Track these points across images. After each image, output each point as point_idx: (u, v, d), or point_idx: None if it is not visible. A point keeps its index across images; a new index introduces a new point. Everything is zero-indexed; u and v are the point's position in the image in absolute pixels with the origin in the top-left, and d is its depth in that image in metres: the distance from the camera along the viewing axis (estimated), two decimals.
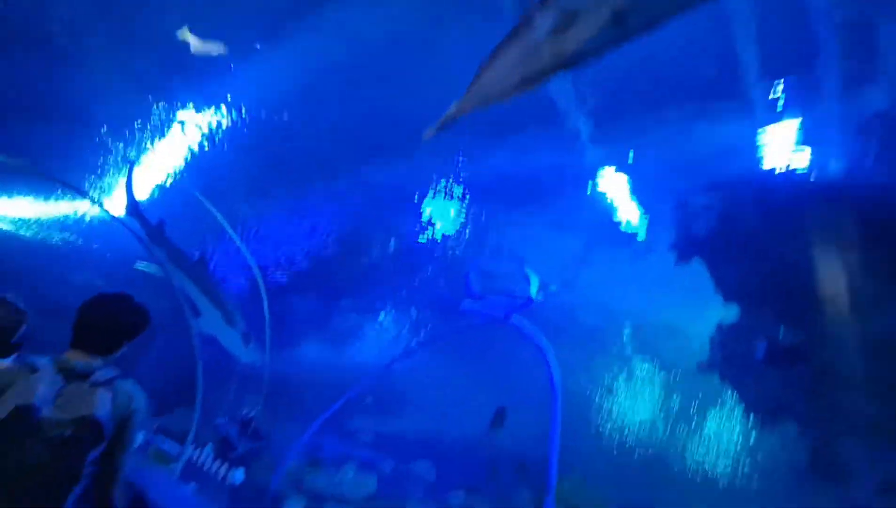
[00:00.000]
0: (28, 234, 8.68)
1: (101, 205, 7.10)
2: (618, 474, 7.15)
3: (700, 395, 10.50)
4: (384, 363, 11.75)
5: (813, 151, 5.82)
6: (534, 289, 6.06)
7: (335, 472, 9.38)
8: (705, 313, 8.69)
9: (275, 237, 10.23)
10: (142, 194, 8.12)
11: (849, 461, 6.79)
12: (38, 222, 8.70)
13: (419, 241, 10.45)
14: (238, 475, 6.78)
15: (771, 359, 6.42)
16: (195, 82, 7.75)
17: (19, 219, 8.65)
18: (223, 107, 8.04)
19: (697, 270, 8.90)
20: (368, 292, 11.25)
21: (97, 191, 8.44)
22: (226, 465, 7.03)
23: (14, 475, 1.86)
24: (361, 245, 10.47)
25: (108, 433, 2.01)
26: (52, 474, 1.90)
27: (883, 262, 5.13)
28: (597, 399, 13.26)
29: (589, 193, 9.32)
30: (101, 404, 2.01)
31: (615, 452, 13.82)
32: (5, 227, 8.56)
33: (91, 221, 8.68)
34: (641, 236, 9.95)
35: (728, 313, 7.59)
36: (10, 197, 8.35)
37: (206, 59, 7.46)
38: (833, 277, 5.59)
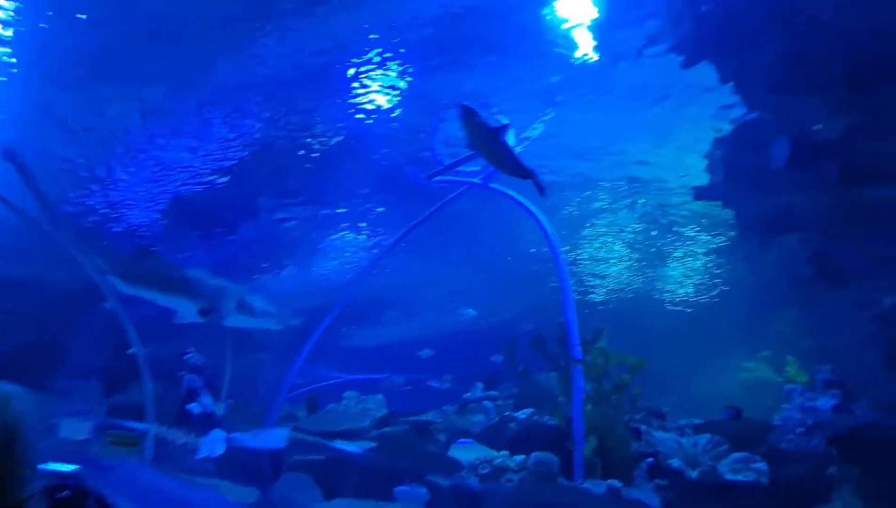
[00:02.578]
0: None
1: None
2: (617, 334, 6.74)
3: (702, 222, 10.12)
4: (355, 272, 10.59)
5: None
6: (511, 140, 4.81)
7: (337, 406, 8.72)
8: (697, 131, 7.75)
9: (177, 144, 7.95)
10: None
11: (854, 262, 6.46)
12: None
13: (364, 122, 8.37)
14: (218, 444, 5.73)
15: (797, 160, 5.51)
16: None
17: None
18: None
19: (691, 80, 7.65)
20: (317, 196, 9.50)
21: None
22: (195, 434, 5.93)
23: None
24: (290, 140, 8.31)
25: None
26: None
27: None
28: (580, 261, 13.03)
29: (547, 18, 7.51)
30: None
31: (608, 302, 14.11)
32: None
33: None
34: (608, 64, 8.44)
35: (731, 119, 6.54)
36: None
37: None
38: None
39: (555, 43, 7.98)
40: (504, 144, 4.76)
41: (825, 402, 5.89)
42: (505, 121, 6.31)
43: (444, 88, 8.05)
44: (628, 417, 6.57)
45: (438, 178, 7.55)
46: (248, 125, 7.38)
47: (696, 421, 7.31)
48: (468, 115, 4.55)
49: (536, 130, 8.30)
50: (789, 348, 8.96)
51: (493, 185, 7.41)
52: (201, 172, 8.16)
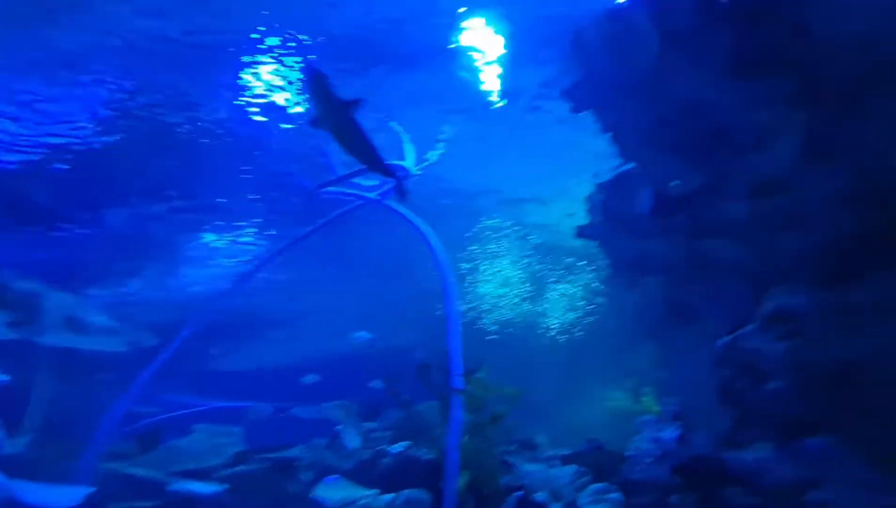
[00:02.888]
0: None
1: None
2: (497, 362, 6.88)
3: (570, 259, 10.90)
4: (224, 287, 9.48)
5: None
6: (411, 161, 4.65)
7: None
8: (581, 174, 8.42)
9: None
10: None
11: (698, 304, 7.35)
12: None
13: (251, 118, 7.73)
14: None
15: (658, 210, 6.19)
16: None
17: None
18: None
19: (570, 130, 8.32)
20: (187, 193, 8.49)
21: None
22: None
23: None
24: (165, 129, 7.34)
25: None
26: None
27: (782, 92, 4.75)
28: (465, 283, 13.31)
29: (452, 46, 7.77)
30: None
31: (489, 333, 14.49)
32: None
33: None
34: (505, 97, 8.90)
35: (610, 166, 7.23)
36: None
37: None
38: (725, 112, 5.20)
39: (461, 70, 8.30)
40: (356, 124, 4.03)
41: (670, 433, 6.43)
42: (399, 129, 6.25)
43: (346, 94, 7.86)
44: (501, 449, 6.67)
45: (330, 189, 7.24)
46: (97, 99, 6.40)
47: (564, 452, 7.62)
48: (315, 79, 3.75)
49: (437, 151, 8.45)
50: (648, 379, 9.90)
51: (389, 202, 7.33)
52: (25, 146, 6.87)
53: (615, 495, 5.82)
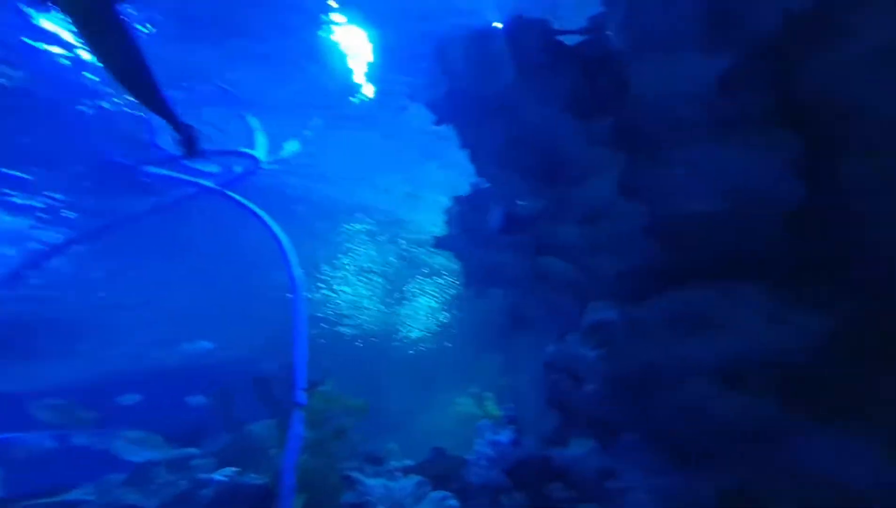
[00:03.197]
0: None
1: None
2: (354, 369, 6.62)
3: (428, 269, 11.13)
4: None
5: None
6: (262, 149, 4.05)
7: None
8: (443, 185, 8.65)
9: None
10: None
11: (535, 315, 8.10)
12: None
13: (58, 63, 6.15)
14: None
15: (507, 227, 6.62)
16: None
17: None
18: None
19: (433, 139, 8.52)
20: None
21: None
22: None
23: None
24: None
25: None
26: None
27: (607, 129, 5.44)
28: (320, 294, 12.69)
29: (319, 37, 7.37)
30: None
31: (345, 346, 14.03)
32: None
33: None
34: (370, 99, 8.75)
35: (467, 182, 7.55)
36: None
37: None
38: (554, 144, 5.79)
39: (327, 66, 7.95)
40: (130, 37, 2.77)
41: (505, 436, 6.89)
42: (250, 118, 5.59)
43: (195, 63, 6.62)
44: (345, 464, 6.41)
45: (155, 170, 6.22)
46: None
47: (408, 462, 7.65)
48: None
49: (292, 146, 7.90)
50: (490, 385, 10.57)
51: (230, 193, 6.59)
52: None
53: (452, 502, 6.01)
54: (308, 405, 5.76)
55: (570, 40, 5.83)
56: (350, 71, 8.03)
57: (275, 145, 7.39)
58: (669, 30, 4.87)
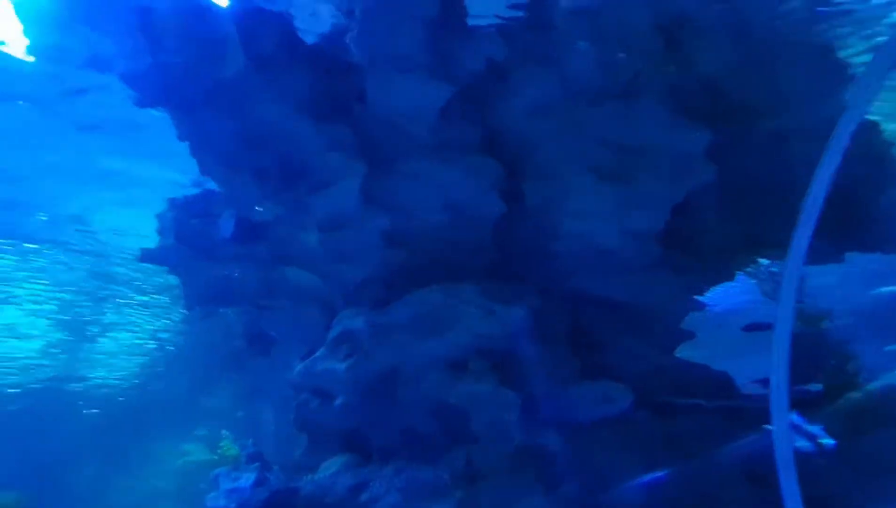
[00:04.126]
0: None
1: None
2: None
3: (148, 289, 8.74)
4: None
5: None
6: None
7: None
8: (151, 186, 6.92)
9: None
10: None
11: (277, 332, 7.45)
12: None
13: None
14: None
15: (239, 236, 5.76)
16: None
17: None
18: None
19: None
20: None
21: None
22: None
23: None
24: None
25: None
26: None
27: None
28: None
29: None
30: None
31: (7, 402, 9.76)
32: None
33: None
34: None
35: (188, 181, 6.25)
36: None
37: None
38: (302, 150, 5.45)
39: None
40: None
41: (246, 479, 5.98)
42: None
43: None
44: None
45: None
46: None
47: None
48: None
49: None
50: (225, 422, 9.13)
51: None
52: None
53: None
54: None
55: (309, 39, 5.57)
56: None
57: None
58: (399, 53, 5.20)
